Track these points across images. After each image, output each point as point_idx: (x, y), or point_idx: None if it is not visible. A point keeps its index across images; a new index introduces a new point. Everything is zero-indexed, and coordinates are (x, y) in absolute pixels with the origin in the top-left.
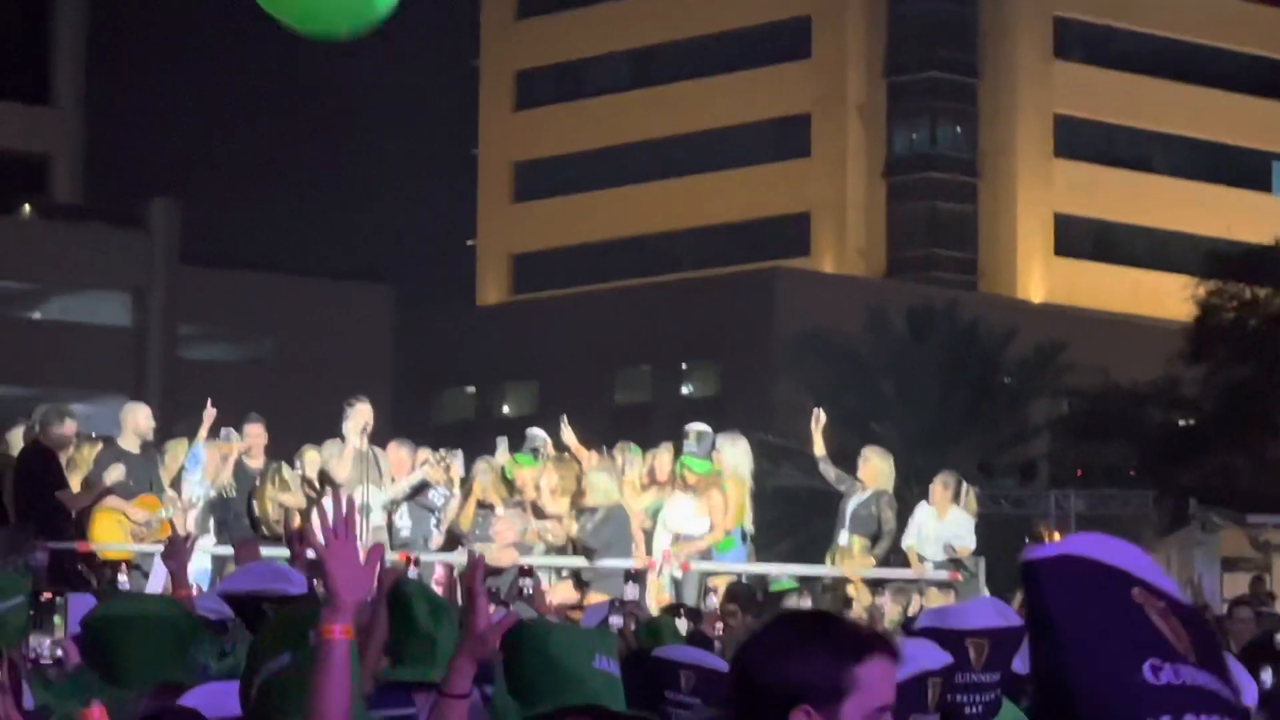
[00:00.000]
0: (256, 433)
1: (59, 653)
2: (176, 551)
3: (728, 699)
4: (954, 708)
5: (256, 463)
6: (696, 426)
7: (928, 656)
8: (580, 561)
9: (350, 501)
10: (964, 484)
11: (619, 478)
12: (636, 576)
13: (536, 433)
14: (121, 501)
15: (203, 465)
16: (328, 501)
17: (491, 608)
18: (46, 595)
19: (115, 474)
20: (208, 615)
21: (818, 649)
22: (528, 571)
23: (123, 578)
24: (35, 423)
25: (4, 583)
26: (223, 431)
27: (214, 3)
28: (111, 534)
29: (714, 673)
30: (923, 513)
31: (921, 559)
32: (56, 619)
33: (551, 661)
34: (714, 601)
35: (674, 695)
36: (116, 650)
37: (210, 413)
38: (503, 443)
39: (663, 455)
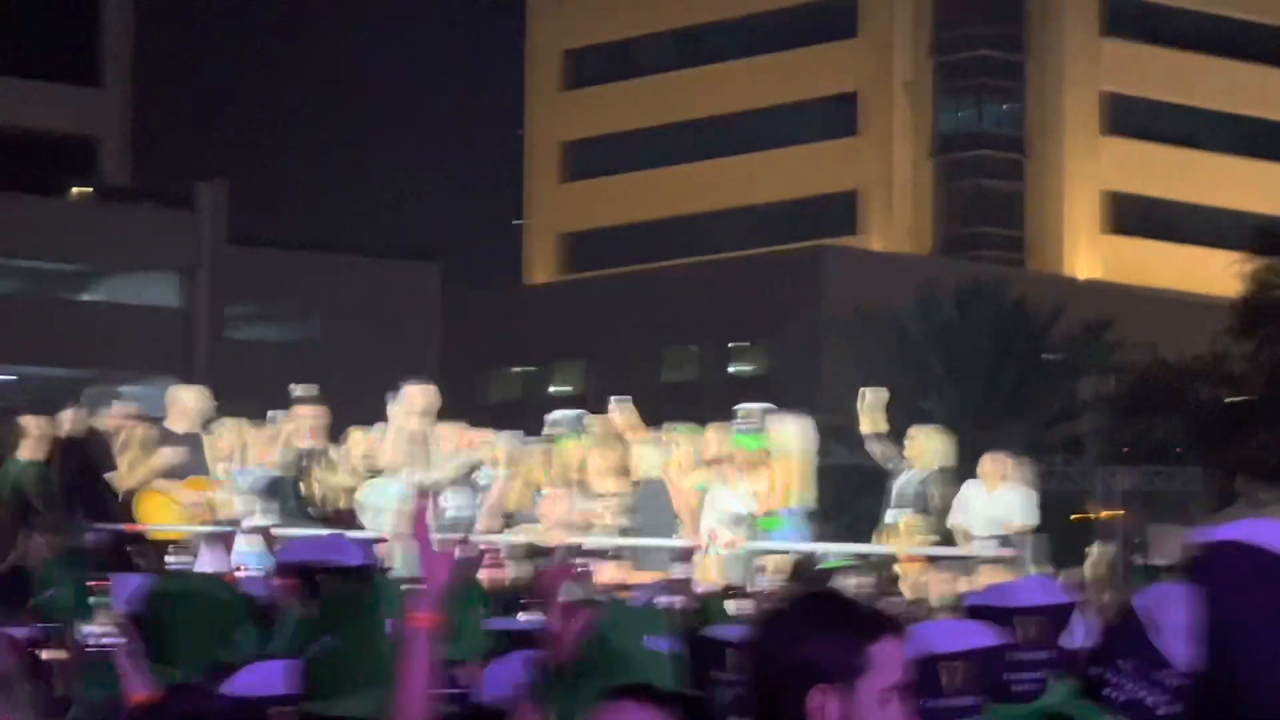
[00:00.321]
0: (311, 412)
1: (109, 639)
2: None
3: (743, 679)
4: (1002, 685)
5: (310, 443)
6: (748, 405)
7: (969, 637)
8: (632, 541)
9: (425, 494)
10: (1014, 460)
11: (667, 455)
12: (685, 555)
13: (577, 414)
14: (170, 484)
15: (253, 446)
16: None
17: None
18: (94, 582)
19: (169, 456)
20: (255, 595)
21: (834, 629)
22: (578, 551)
23: (171, 558)
24: (85, 405)
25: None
26: (270, 413)
27: None
28: (161, 515)
29: None
30: (970, 490)
31: (970, 536)
32: (104, 605)
33: (602, 641)
34: (764, 580)
35: (721, 674)
36: (166, 627)
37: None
38: (553, 419)
39: (711, 435)
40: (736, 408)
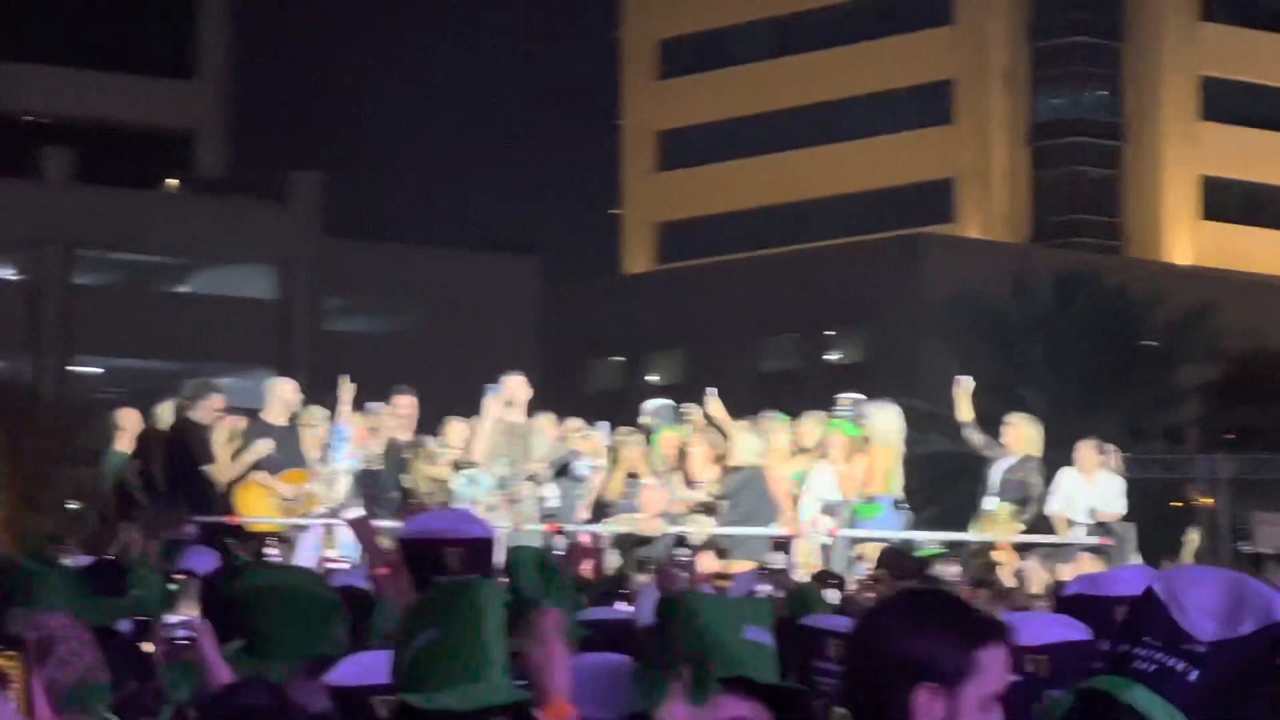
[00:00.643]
0: (406, 404)
1: (192, 634)
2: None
3: (846, 671)
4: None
5: (406, 435)
6: (849, 395)
7: (1057, 630)
8: (730, 530)
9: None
10: (1109, 448)
11: (765, 443)
12: (783, 544)
13: (667, 403)
14: (268, 477)
15: (349, 439)
16: (485, 479)
17: (642, 577)
18: (179, 576)
19: (263, 449)
20: (354, 586)
21: (946, 629)
22: (682, 540)
23: (271, 549)
24: (183, 397)
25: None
26: (368, 405)
27: None
28: (259, 506)
29: None
30: (1068, 477)
31: (1070, 524)
32: (187, 600)
33: (701, 632)
34: (863, 569)
35: (821, 664)
36: (262, 623)
37: (349, 387)
38: (649, 409)
39: (809, 423)
40: (836, 397)
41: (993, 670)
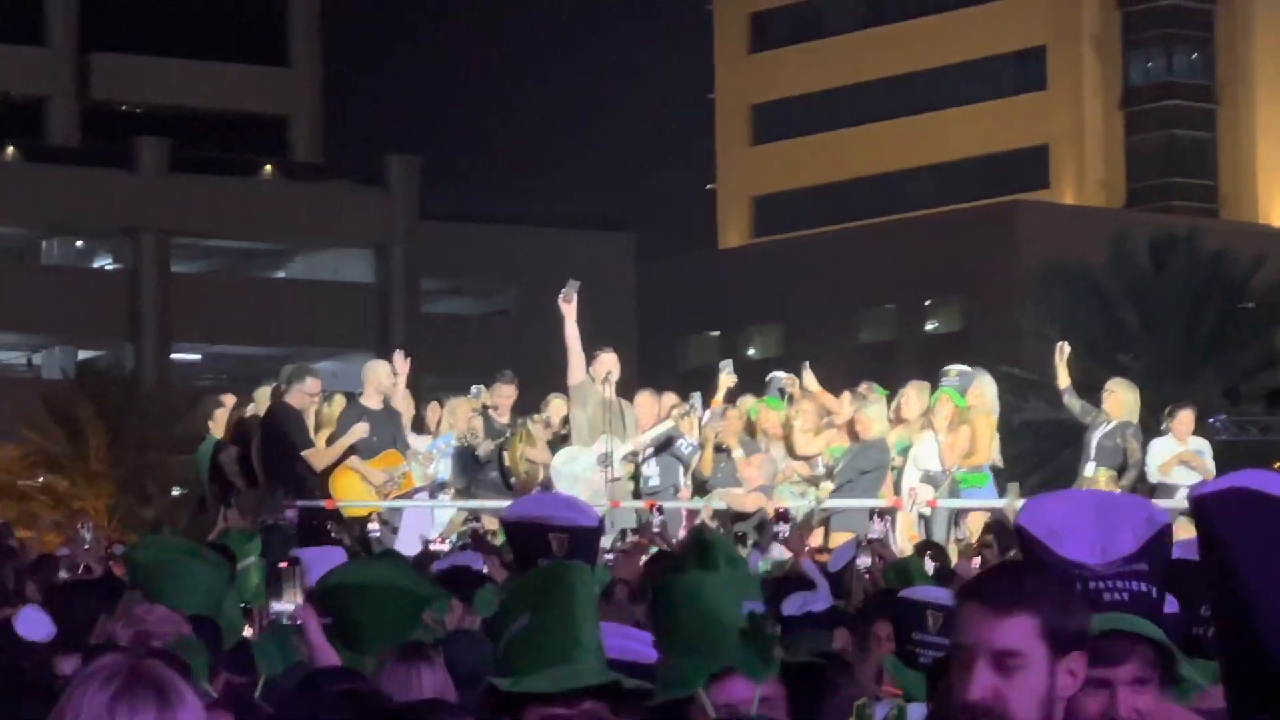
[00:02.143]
0: (507, 393)
1: (295, 619)
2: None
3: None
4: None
5: (504, 418)
6: (956, 367)
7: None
8: (831, 502)
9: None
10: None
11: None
12: (884, 515)
13: (780, 375)
14: (360, 462)
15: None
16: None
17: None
18: (283, 563)
19: (359, 432)
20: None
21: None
22: (782, 515)
23: (374, 530)
24: (279, 383)
25: (236, 544)
26: (472, 389)
27: None
28: (355, 490)
29: None
30: (1162, 444)
31: (1169, 490)
32: (291, 584)
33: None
34: (964, 532)
35: (921, 636)
36: (349, 616)
37: (402, 361)
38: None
39: (910, 393)
40: (944, 369)
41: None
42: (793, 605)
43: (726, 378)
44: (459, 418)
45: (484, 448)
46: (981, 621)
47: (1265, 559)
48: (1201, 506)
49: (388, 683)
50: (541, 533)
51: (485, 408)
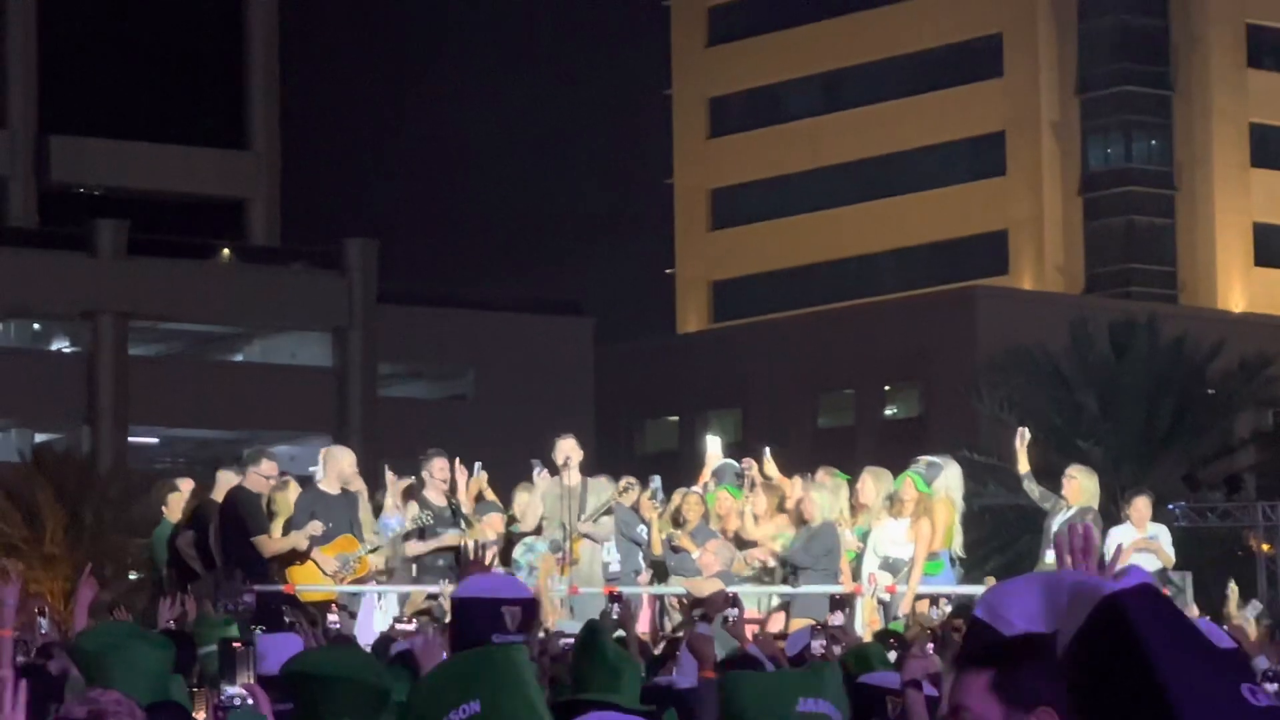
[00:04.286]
0: (439, 467)
1: (247, 700)
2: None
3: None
4: None
5: (440, 500)
6: (926, 458)
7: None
8: (786, 588)
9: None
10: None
11: (835, 499)
12: (842, 601)
13: (735, 463)
14: (314, 550)
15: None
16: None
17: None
18: (236, 644)
19: (313, 529)
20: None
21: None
22: (731, 600)
23: (333, 618)
24: (241, 466)
25: (205, 628)
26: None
27: (406, 45)
28: (311, 575)
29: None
30: (1121, 532)
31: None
32: (245, 667)
33: (744, 711)
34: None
35: None
36: (312, 705)
37: (394, 480)
38: (715, 459)
39: (865, 479)
40: (915, 459)
41: None
42: None
43: (767, 462)
44: (396, 498)
45: (421, 525)
46: (949, 682)
47: (1188, 657)
48: (1116, 607)
49: None
50: (494, 606)
51: (413, 486)
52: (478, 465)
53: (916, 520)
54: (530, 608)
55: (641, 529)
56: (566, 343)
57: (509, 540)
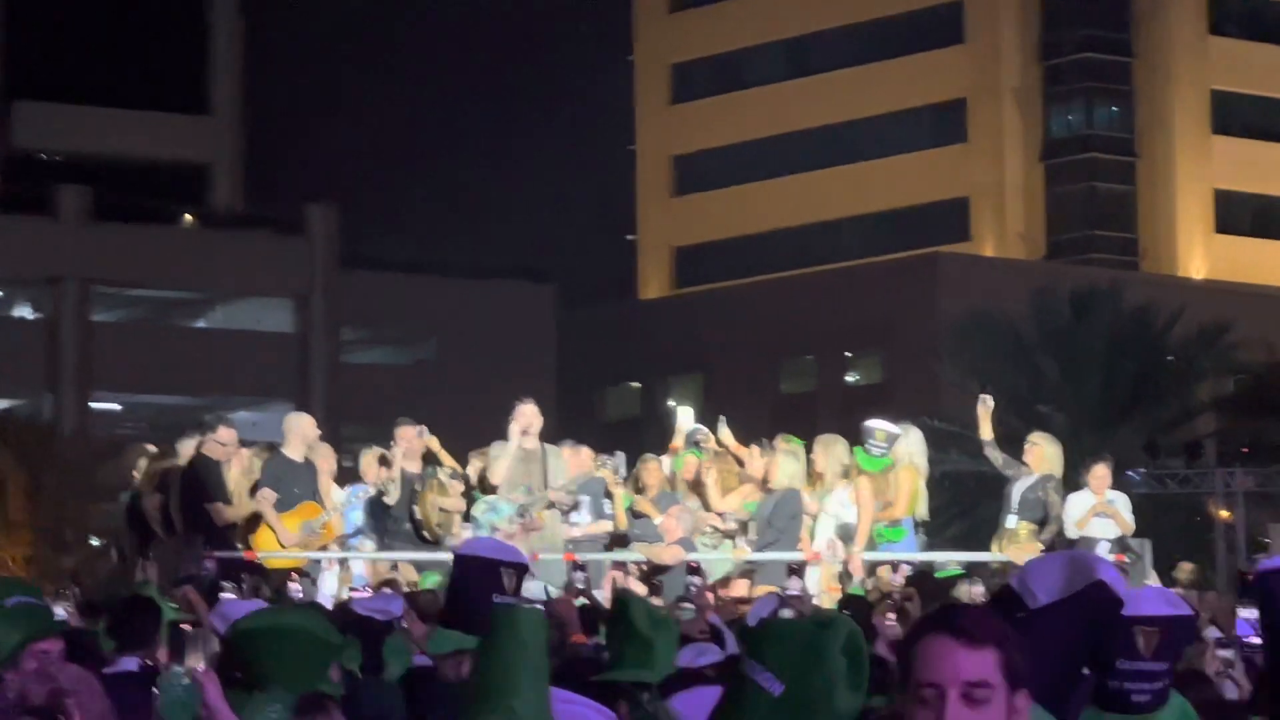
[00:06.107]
0: (408, 435)
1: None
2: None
3: None
4: (1120, 694)
5: (414, 466)
6: (882, 427)
7: (1166, 605)
8: (746, 554)
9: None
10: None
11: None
12: (799, 569)
13: (697, 428)
14: (275, 518)
15: (362, 490)
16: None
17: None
18: (185, 625)
19: (267, 498)
20: (374, 616)
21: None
22: (695, 569)
23: (294, 585)
24: (204, 433)
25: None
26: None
27: (368, 9)
28: (274, 542)
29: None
30: (1080, 498)
31: (1090, 542)
32: (195, 647)
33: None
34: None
35: None
36: (257, 662)
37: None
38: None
39: (817, 449)
40: (868, 426)
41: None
42: (686, 657)
43: (723, 430)
44: (369, 469)
45: (391, 496)
46: (953, 654)
47: None
48: (1266, 581)
49: None
50: (494, 568)
51: (383, 457)
52: (423, 428)
53: (873, 485)
54: (523, 572)
55: (606, 503)
56: (529, 309)
57: (469, 499)
